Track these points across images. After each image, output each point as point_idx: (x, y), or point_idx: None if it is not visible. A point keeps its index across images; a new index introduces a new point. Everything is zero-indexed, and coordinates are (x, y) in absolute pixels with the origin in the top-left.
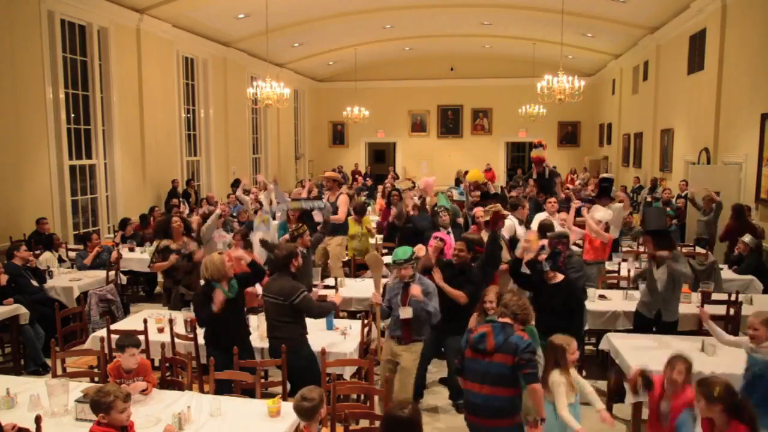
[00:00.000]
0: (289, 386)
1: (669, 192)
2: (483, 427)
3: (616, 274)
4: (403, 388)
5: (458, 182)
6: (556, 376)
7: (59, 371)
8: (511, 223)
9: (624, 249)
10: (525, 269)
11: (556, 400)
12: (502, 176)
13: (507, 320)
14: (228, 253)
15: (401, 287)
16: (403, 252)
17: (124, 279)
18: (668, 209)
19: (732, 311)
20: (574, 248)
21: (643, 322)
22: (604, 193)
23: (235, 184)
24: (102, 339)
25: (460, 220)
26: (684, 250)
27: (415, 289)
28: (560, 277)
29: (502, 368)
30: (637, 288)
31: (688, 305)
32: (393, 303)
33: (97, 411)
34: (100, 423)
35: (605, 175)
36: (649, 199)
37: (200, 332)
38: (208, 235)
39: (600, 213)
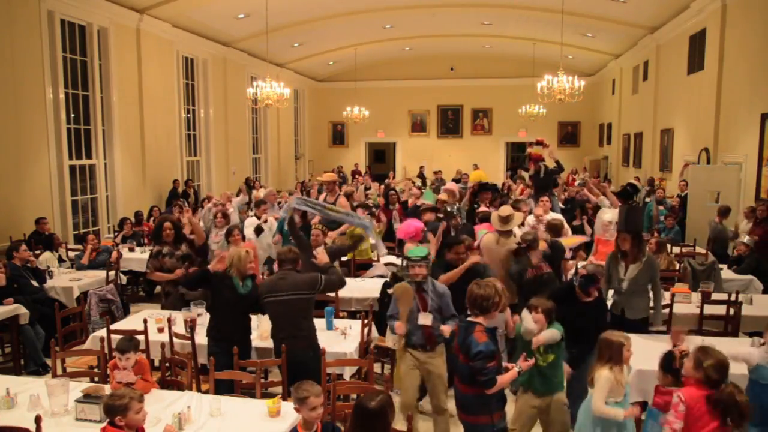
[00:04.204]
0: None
1: (662, 192)
2: (461, 420)
3: None
4: (437, 395)
5: (456, 181)
6: (605, 372)
7: (59, 371)
8: None
9: None
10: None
11: (594, 394)
12: (503, 176)
13: (474, 318)
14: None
15: (415, 291)
16: (420, 249)
17: (124, 279)
18: (662, 208)
19: (732, 311)
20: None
21: (614, 320)
22: (622, 195)
23: (247, 183)
24: (102, 339)
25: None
26: (684, 250)
27: (446, 329)
28: (596, 294)
29: (464, 367)
30: None
31: (688, 305)
32: (411, 317)
33: (113, 415)
34: (116, 425)
35: (634, 182)
36: (648, 200)
37: (200, 331)
38: (207, 227)
39: (608, 215)
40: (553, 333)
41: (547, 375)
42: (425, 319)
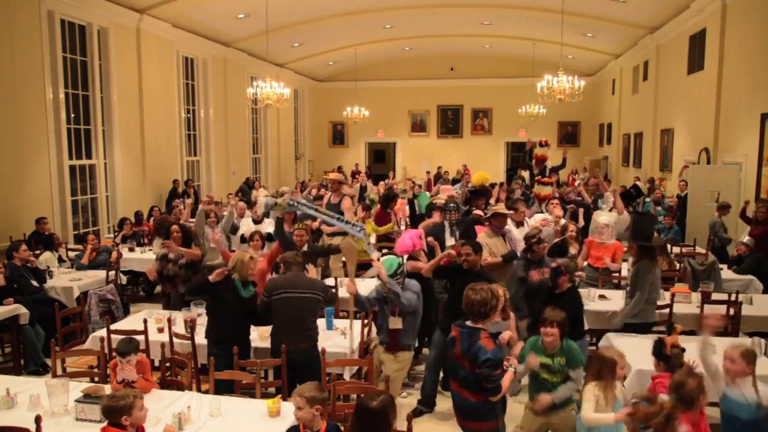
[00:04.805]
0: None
1: (660, 192)
2: (463, 426)
3: (617, 274)
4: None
5: (455, 181)
6: (589, 387)
7: (59, 371)
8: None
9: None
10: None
11: (582, 407)
12: (503, 176)
13: (474, 324)
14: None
15: (388, 300)
16: (389, 266)
17: (124, 279)
18: (659, 208)
19: (732, 311)
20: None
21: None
22: (625, 197)
23: (247, 183)
24: (102, 339)
25: None
26: (684, 250)
27: (378, 266)
28: (568, 285)
29: (468, 373)
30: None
31: (688, 305)
32: (381, 313)
33: (117, 416)
34: (117, 425)
35: (638, 183)
36: (648, 200)
37: (200, 331)
38: (200, 231)
39: (604, 217)
40: (565, 392)
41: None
42: (395, 323)
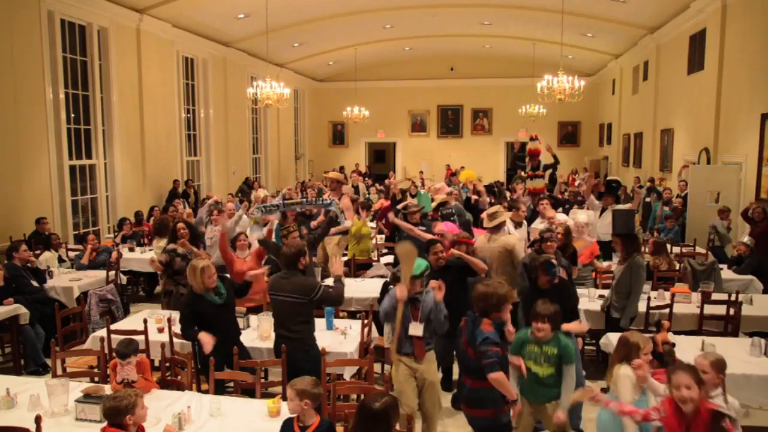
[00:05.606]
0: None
1: (669, 192)
2: (469, 416)
3: (610, 273)
4: (434, 402)
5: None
6: (622, 370)
7: (59, 371)
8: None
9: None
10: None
11: (620, 396)
12: (502, 176)
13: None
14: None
15: (409, 302)
16: (417, 266)
17: (124, 279)
18: (666, 209)
19: (732, 311)
20: None
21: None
22: (609, 192)
23: (247, 183)
24: (102, 339)
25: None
26: (684, 250)
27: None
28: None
29: (475, 362)
30: None
31: (688, 305)
32: (393, 316)
33: (120, 416)
34: (118, 425)
35: (612, 177)
36: (648, 200)
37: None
38: (200, 221)
39: (582, 215)
40: (569, 398)
41: (547, 384)
42: (416, 329)
